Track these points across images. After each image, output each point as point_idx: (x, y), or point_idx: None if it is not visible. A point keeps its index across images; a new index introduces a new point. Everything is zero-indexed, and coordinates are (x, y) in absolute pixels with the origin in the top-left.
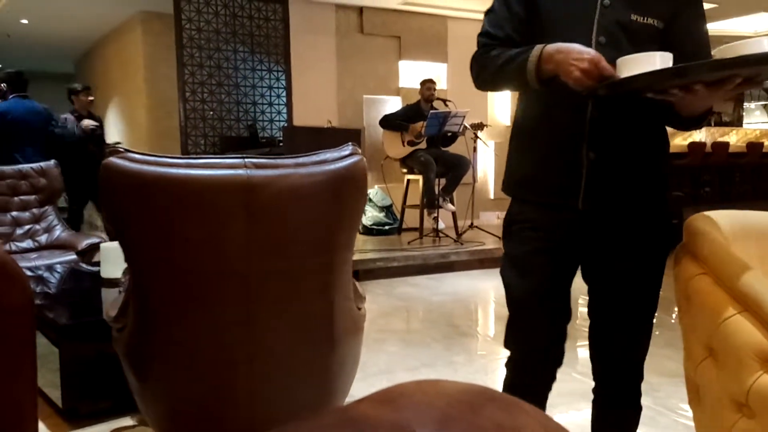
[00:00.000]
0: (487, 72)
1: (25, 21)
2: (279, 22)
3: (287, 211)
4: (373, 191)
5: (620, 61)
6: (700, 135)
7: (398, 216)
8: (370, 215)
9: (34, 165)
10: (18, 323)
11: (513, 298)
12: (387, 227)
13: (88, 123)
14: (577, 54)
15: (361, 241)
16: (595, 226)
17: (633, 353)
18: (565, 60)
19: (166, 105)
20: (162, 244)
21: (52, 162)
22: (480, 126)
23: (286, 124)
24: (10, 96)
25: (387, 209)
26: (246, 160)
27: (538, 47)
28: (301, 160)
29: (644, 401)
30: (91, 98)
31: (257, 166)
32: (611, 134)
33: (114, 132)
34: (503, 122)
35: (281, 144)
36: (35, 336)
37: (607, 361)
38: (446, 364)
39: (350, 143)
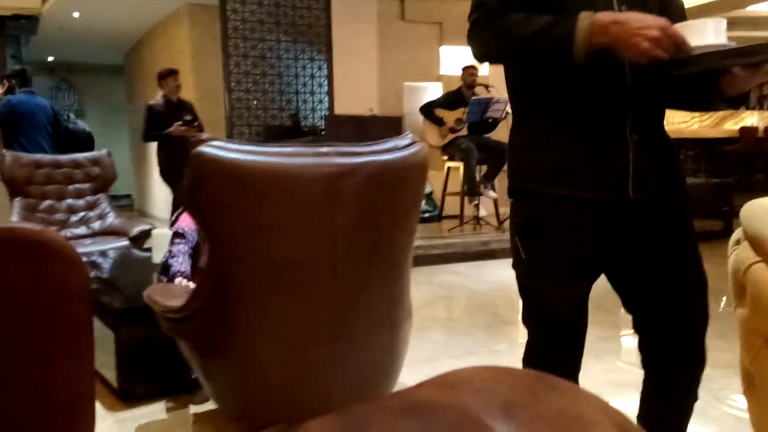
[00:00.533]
0: (507, 40)
1: (76, 14)
2: (321, 11)
3: (366, 197)
4: None
5: (677, 27)
6: (752, 119)
7: (438, 203)
8: None
9: (87, 154)
10: (77, 307)
11: (547, 313)
12: (427, 215)
13: (177, 129)
14: (640, 23)
15: None
16: (643, 215)
17: (694, 338)
18: (625, 31)
19: (212, 96)
20: (254, 232)
21: (104, 151)
22: None
23: (327, 113)
24: (18, 91)
25: (427, 196)
26: (328, 148)
27: (584, 16)
28: (374, 148)
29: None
30: (178, 83)
31: (339, 154)
32: (648, 112)
33: None
34: None
35: (324, 133)
36: (92, 319)
37: (666, 350)
38: (489, 352)
39: (409, 132)
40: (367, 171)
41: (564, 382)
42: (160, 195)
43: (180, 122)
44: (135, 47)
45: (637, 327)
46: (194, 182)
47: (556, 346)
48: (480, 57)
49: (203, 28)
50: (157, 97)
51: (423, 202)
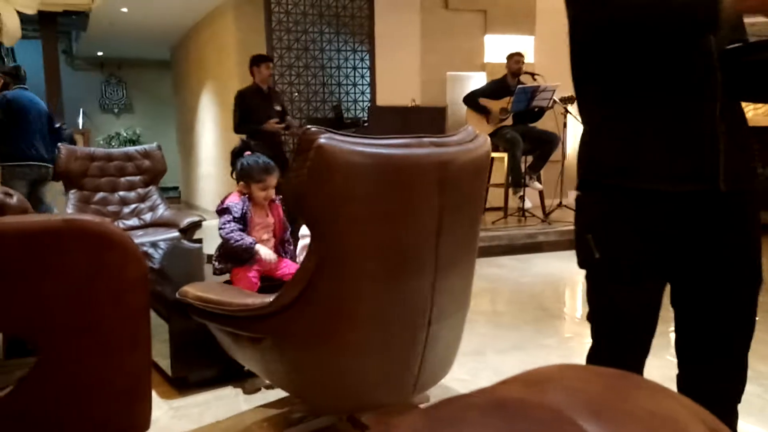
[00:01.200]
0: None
1: (125, 9)
2: (364, 2)
3: (460, 185)
4: None
5: None
6: None
7: None
8: None
9: (138, 147)
10: (135, 296)
11: (619, 315)
12: None
13: (271, 126)
14: None
15: None
16: (726, 209)
17: (737, 351)
18: None
19: None
20: (373, 219)
21: (155, 144)
22: (571, 99)
23: (369, 104)
24: (13, 87)
25: None
26: (425, 138)
27: None
28: (456, 138)
29: (751, 389)
30: (270, 71)
31: (435, 145)
32: (733, 101)
33: (208, 116)
34: None
35: (366, 124)
36: (149, 308)
37: (703, 362)
38: (538, 347)
39: (468, 125)
40: (461, 160)
41: (650, 382)
42: (206, 187)
43: (276, 119)
44: (181, 42)
45: (678, 327)
46: (317, 173)
47: (625, 347)
48: (607, 22)
49: (248, 22)
50: (247, 87)
51: None
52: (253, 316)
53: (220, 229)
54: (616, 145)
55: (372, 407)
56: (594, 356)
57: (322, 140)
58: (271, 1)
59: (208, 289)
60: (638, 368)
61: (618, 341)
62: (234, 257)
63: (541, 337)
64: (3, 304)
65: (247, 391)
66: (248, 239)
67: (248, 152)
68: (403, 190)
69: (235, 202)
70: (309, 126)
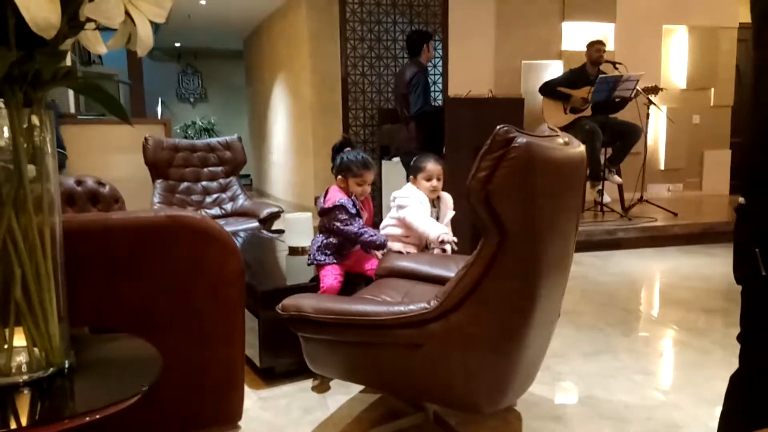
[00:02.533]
0: None
1: (203, 2)
2: None
3: (578, 180)
4: None
5: None
6: None
7: None
8: None
9: (220, 139)
10: (232, 290)
11: None
12: None
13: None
14: None
15: None
16: None
17: None
18: None
19: (329, 79)
20: (556, 213)
21: (236, 136)
22: (655, 90)
23: (440, 94)
24: None
25: None
26: (560, 137)
27: None
28: (563, 140)
29: None
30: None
31: (568, 144)
32: None
33: (280, 107)
34: (678, 85)
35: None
36: (244, 302)
37: None
38: (625, 351)
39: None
40: (579, 158)
41: None
42: (277, 175)
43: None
44: (254, 33)
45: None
46: (519, 171)
47: None
48: None
49: (320, 13)
50: (413, 71)
51: None
52: (412, 322)
53: (342, 224)
54: None
55: (506, 404)
56: (743, 383)
57: (522, 139)
58: None
59: (325, 300)
60: None
61: None
62: (338, 251)
63: (629, 341)
64: (111, 296)
65: (317, 391)
66: (381, 236)
67: (348, 148)
68: (574, 184)
69: (342, 198)
70: (501, 125)
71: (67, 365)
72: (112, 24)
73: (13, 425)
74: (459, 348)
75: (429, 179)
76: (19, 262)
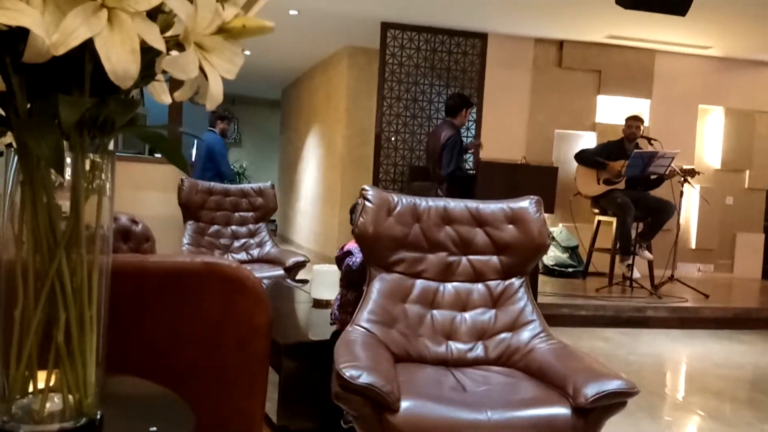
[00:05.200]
0: None
1: (248, 52)
2: (476, 57)
3: None
4: (557, 230)
5: None
6: None
7: (584, 259)
8: (553, 255)
9: (253, 185)
10: (259, 343)
11: None
12: (570, 269)
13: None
14: None
15: (541, 282)
16: None
17: None
18: None
19: (362, 134)
20: None
21: (269, 183)
22: (692, 173)
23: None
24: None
25: (572, 250)
26: None
27: None
28: None
29: None
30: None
31: None
32: None
33: (311, 156)
34: (712, 165)
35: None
36: (269, 356)
37: None
38: None
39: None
40: None
41: None
42: (302, 222)
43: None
44: (293, 84)
45: None
46: None
47: None
48: None
49: (360, 70)
50: (449, 132)
51: (566, 256)
52: None
53: (349, 259)
54: None
55: None
56: None
57: None
58: (386, 52)
59: None
60: None
61: None
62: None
63: (652, 424)
64: (137, 340)
65: None
66: None
67: None
68: None
69: (354, 247)
70: None
71: (99, 416)
72: (185, 77)
73: None
74: None
75: None
76: (65, 306)
